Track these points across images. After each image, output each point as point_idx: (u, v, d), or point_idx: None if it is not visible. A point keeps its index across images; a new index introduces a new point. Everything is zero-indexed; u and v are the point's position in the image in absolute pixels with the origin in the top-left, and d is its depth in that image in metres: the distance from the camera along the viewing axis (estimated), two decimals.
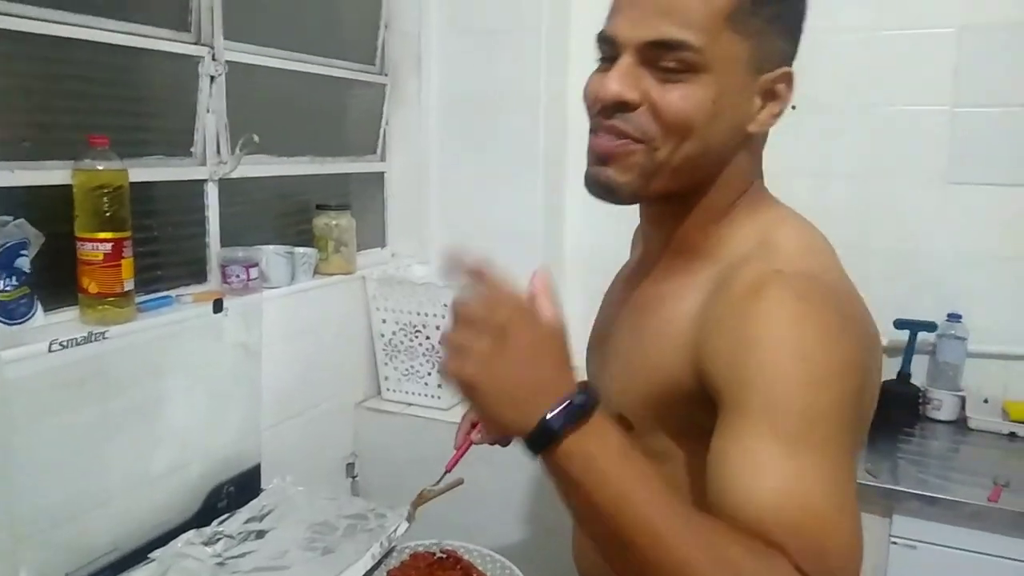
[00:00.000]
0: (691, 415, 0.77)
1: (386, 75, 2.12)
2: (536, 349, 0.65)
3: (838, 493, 0.67)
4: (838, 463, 0.68)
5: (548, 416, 0.62)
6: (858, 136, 1.92)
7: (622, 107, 0.77)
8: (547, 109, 2.02)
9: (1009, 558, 1.42)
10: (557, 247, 2.20)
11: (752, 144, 0.83)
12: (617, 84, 0.76)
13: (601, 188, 0.81)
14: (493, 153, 2.08)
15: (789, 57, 0.80)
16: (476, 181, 2.12)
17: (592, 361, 0.98)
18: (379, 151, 2.16)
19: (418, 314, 1.89)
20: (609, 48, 0.79)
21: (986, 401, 1.83)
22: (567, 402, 0.63)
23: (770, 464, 0.67)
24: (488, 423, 0.70)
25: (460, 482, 1.44)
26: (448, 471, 1.16)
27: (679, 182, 0.80)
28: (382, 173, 2.18)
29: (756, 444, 0.68)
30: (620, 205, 0.83)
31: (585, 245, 2.22)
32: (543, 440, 0.63)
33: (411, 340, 1.91)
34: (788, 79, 0.79)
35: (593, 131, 0.81)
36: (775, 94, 0.79)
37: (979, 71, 1.82)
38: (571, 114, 2.16)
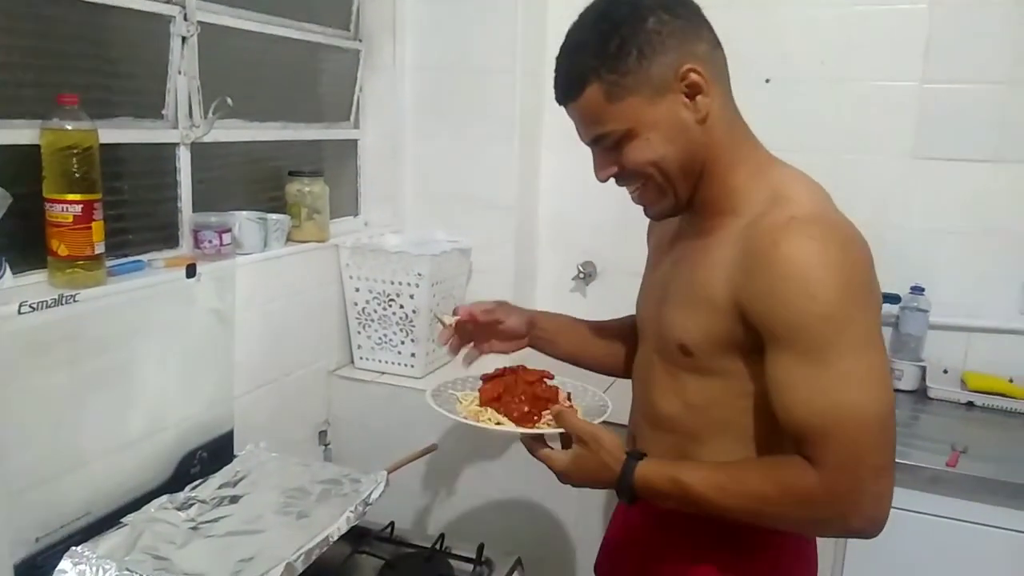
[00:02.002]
0: (740, 339, 0.98)
1: (361, 41, 2.10)
2: (596, 463, 1.04)
3: (862, 395, 0.89)
4: (858, 370, 0.89)
5: (618, 487, 1.03)
6: (829, 109, 1.94)
7: (612, 178, 1.05)
8: (523, 77, 2.02)
9: (966, 521, 1.47)
10: (531, 216, 2.21)
11: (717, 125, 1.00)
12: (597, 171, 1.06)
13: (654, 218, 1.12)
14: (468, 121, 2.07)
15: (681, 55, 0.97)
16: (451, 150, 2.11)
17: (646, 305, 1.19)
18: (353, 118, 2.14)
19: (391, 283, 1.88)
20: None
21: (946, 371, 1.88)
22: (620, 474, 1.02)
23: (801, 384, 0.91)
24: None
25: (434, 447, 1.45)
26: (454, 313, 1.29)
27: (688, 183, 1.03)
28: (356, 141, 2.16)
29: (790, 371, 0.92)
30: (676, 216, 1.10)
31: (559, 213, 2.23)
32: (626, 495, 1.02)
33: (384, 309, 1.91)
34: (691, 72, 0.97)
35: None
36: (693, 87, 0.97)
37: (948, 47, 1.84)
38: (547, 83, 2.15)
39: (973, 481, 1.46)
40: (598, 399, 1.24)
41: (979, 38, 1.81)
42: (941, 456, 1.51)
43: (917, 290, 1.88)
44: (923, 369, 1.87)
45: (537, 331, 1.34)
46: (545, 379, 1.21)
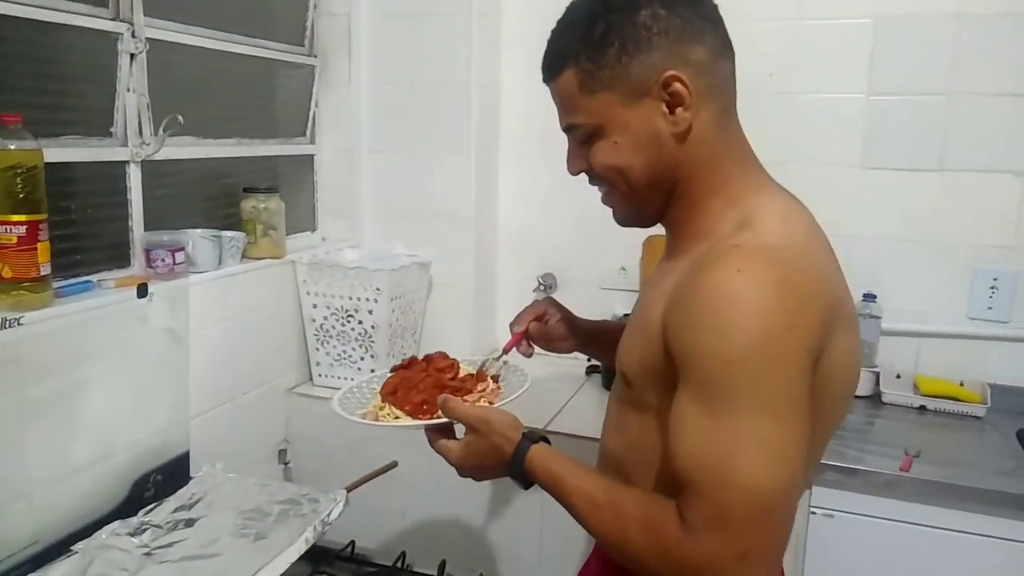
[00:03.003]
0: (664, 372, 0.87)
1: (316, 57, 2.09)
2: (487, 447, 1.01)
3: (750, 464, 0.77)
4: (753, 435, 0.77)
5: (509, 469, 0.99)
6: (778, 121, 1.97)
7: (583, 173, 0.98)
8: (479, 91, 2.02)
9: (920, 524, 1.49)
10: (490, 229, 2.21)
11: (699, 144, 0.91)
12: (568, 164, 0.98)
13: (620, 223, 1.02)
14: (425, 136, 2.07)
15: (668, 59, 0.88)
16: (407, 164, 2.11)
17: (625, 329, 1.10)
18: (309, 133, 2.12)
19: (349, 298, 1.87)
20: None
21: (899, 376, 1.92)
22: (509, 461, 0.98)
23: (690, 430, 0.81)
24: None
25: (394, 464, 1.44)
26: (506, 352, 1.23)
27: (655, 198, 0.95)
28: (312, 156, 2.14)
29: (685, 411, 0.81)
30: (645, 228, 1.02)
31: (517, 226, 2.23)
32: (519, 479, 0.98)
33: (343, 325, 1.90)
34: (674, 79, 0.87)
35: None
36: (675, 95, 0.88)
37: (892, 60, 1.89)
38: (504, 96, 2.16)
39: (926, 485, 1.49)
40: (519, 375, 1.19)
41: (921, 51, 1.86)
42: (895, 461, 1.54)
43: (869, 297, 1.92)
44: (877, 375, 1.90)
45: (588, 350, 1.33)
46: (453, 369, 1.18)
